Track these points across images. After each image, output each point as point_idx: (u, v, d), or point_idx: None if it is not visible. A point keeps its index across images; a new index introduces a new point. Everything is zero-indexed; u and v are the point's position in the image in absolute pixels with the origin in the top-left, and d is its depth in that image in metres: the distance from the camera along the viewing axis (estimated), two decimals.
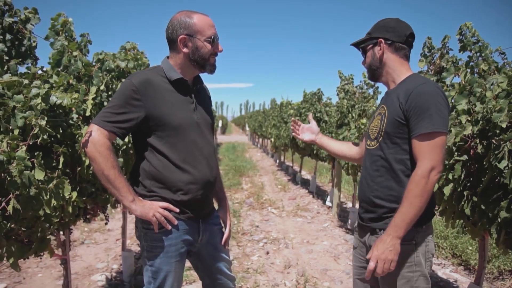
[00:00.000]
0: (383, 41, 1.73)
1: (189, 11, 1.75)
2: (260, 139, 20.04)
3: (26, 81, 1.59)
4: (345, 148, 2.16)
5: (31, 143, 1.56)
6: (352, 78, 5.26)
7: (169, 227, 1.72)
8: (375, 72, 1.80)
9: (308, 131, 2.20)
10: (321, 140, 2.18)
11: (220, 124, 32.92)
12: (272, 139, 11.69)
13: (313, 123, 2.21)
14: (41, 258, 2.19)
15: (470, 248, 4.29)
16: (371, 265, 1.58)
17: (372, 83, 4.85)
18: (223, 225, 2.02)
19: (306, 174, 10.70)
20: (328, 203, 6.63)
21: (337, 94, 5.39)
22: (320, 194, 7.81)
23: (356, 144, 2.14)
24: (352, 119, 4.83)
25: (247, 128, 29.29)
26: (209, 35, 1.72)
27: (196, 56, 1.74)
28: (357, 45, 1.86)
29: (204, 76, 1.92)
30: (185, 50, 1.73)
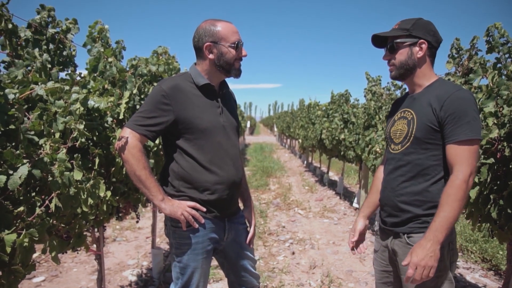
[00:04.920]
0: (426, 43, 1.68)
1: (213, 19, 1.84)
2: (288, 140, 20.04)
3: (67, 87, 1.72)
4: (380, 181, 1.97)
5: (70, 146, 1.69)
6: (380, 80, 5.23)
7: (196, 226, 1.81)
8: (406, 72, 1.73)
9: (361, 236, 2.00)
10: (367, 215, 2.00)
11: (248, 125, 33.03)
12: (300, 140, 11.71)
13: (358, 228, 1.99)
14: (78, 253, 2.33)
15: (501, 252, 4.19)
16: (410, 272, 1.54)
17: (400, 84, 4.81)
18: (248, 224, 2.10)
19: (333, 175, 10.65)
20: (355, 204, 6.60)
21: (364, 96, 5.38)
22: (348, 196, 7.78)
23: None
24: (379, 120, 4.81)
25: (275, 129, 29.33)
26: (233, 41, 1.80)
27: (222, 61, 1.82)
28: (387, 38, 1.75)
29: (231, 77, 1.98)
30: (210, 56, 1.82)
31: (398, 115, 1.81)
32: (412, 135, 1.67)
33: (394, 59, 1.74)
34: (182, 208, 1.78)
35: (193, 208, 1.81)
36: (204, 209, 1.84)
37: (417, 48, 1.69)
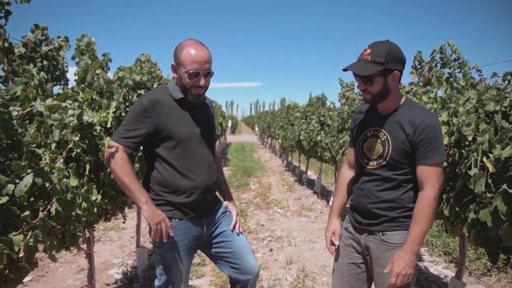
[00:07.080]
0: (399, 74, 1.81)
1: (190, 43, 1.97)
2: (269, 139, 20.31)
3: (64, 104, 1.91)
4: (348, 187, 2.18)
5: (65, 155, 1.88)
6: (353, 85, 5.52)
7: (164, 240, 1.95)
8: (381, 99, 1.86)
9: (336, 236, 2.17)
10: (337, 216, 2.20)
11: (230, 124, 33.12)
12: (280, 140, 11.98)
13: (338, 231, 2.18)
14: (71, 252, 2.50)
15: None
16: (392, 280, 1.78)
17: None
18: (230, 213, 2.24)
19: (312, 175, 10.95)
20: (331, 203, 6.88)
21: (339, 100, 5.67)
22: (325, 195, 8.07)
23: (349, 171, 2.19)
24: None
25: (256, 128, 29.56)
26: (188, 69, 1.94)
27: (180, 83, 2.02)
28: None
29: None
30: (174, 75, 2.04)
31: (370, 132, 1.96)
32: (389, 155, 1.86)
33: (369, 88, 1.83)
34: (161, 219, 1.93)
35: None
36: (172, 234, 1.97)
37: (391, 78, 1.81)
